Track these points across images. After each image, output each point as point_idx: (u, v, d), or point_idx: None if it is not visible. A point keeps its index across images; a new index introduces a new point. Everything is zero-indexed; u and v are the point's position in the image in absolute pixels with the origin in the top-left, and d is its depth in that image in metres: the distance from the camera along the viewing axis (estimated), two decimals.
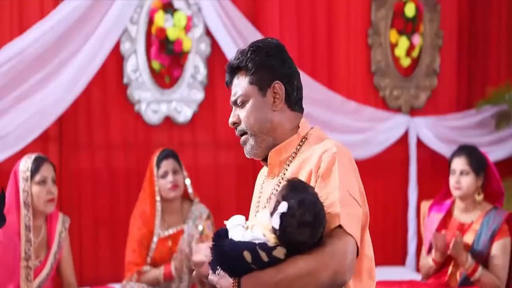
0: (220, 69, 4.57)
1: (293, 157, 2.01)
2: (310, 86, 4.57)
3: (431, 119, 5.16)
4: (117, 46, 4.33)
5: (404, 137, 5.12)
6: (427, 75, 5.24)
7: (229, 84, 2.08)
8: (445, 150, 5.05)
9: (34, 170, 3.44)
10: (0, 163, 3.92)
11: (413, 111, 5.19)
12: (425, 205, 3.99)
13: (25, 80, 4.00)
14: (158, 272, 3.68)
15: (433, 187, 4.88)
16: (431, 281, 3.62)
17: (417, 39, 5.11)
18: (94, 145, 4.35)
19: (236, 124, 2.06)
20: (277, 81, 2.01)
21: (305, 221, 1.75)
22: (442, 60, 5.28)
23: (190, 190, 3.90)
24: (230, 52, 4.48)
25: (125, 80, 4.41)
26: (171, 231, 3.80)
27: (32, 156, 3.51)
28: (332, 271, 1.74)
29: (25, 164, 3.46)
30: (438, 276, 3.62)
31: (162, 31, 4.36)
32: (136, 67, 4.41)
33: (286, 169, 2.00)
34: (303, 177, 1.92)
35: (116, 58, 4.37)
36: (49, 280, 3.54)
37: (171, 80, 4.51)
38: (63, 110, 4.12)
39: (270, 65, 2.01)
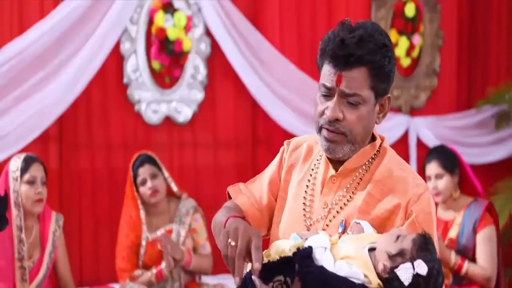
0: (220, 69, 4.57)
1: (366, 170, 1.85)
2: (310, 86, 4.57)
3: (431, 119, 5.15)
4: (117, 46, 4.33)
5: (404, 137, 5.11)
6: (427, 75, 5.23)
7: (339, 69, 1.80)
8: None
9: (24, 169, 3.42)
10: (0, 163, 3.92)
11: (413, 111, 5.19)
12: None
13: (25, 80, 4.00)
14: (150, 274, 3.73)
15: None
16: None
17: (417, 39, 5.10)
18: (94, 145, 4.34)
19: (339, 121, 1.79)
20: (389, 95, 1.87)
21: None
22: (442, 60, 5.28)
23: (174, 188, 3.90)
24: (230, 52, 4.48)
25: (125, 80, 4.41)
26: (159, 233, 3.81)
27: (22, 156, 3.49)
28: None
29: (15, 163, 3.44)
30: None
31: (162, 31, 4.36)
32: (136, 67, 4.41)
33: (358, 184, 1.83)
34: (385, 207, 1.80)
35: (116, 58, 4.37)
36: (47, 280, 3.52)
37: (171, 80, 4.51)
38: (63, 110, 4.12)
39: (391, 79, 1.87)
